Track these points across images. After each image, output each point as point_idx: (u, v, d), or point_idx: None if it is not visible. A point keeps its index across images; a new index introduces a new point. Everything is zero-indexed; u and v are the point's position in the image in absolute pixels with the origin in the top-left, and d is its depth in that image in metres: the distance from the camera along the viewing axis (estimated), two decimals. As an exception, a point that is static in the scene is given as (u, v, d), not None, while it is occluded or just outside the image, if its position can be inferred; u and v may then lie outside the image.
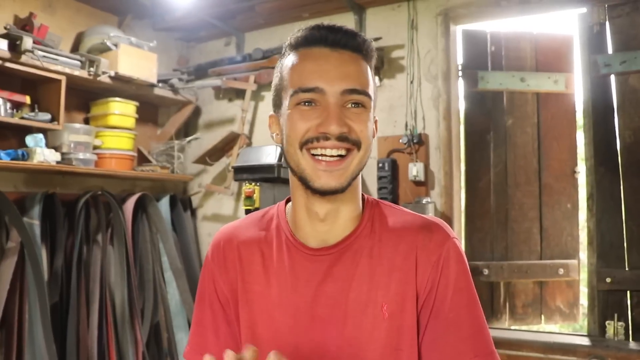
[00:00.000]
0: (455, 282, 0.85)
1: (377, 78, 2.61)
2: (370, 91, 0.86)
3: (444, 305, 0.84)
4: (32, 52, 2.34)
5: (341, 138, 0.82)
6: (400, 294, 0.85)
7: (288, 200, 0.98)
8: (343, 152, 0.83)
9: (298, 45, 0.88)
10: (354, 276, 0.86)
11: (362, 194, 0.94)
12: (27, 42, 2.30)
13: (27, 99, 2.42)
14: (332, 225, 0.89)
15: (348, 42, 0.85)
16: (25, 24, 2.45)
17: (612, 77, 2.38)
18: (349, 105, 0.84)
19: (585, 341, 2.26)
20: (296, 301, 0.87)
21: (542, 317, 2.61)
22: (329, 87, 0.82)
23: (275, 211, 0.97)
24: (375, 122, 0.92)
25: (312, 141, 0.83)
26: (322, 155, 0.83)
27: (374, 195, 2.68)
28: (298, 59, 0.87)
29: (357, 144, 0.84)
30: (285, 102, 0.86)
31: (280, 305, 0.88)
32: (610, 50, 2.39)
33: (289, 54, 0.89)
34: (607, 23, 2.40)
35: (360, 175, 0.90)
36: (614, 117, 2.37)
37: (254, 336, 0.89)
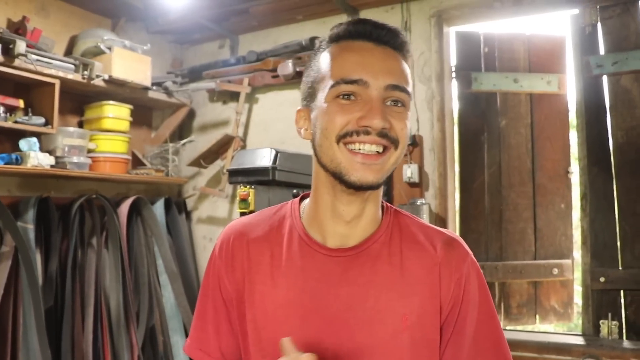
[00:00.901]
0: (477, 299, 0.87)
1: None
2: (411, 90, 0.84)
3: (466, 321, 0.86)
4: (25, 55, 2.33)
5: (382, 134, 0.80)
6: (423, 307, 0.85)
7: (302, 198, 0.96)
8: (380, 149, 0.81)
9: (340, 38, 0.85)
10: (372, 282, 0.85)
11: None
12: (21, 45, 2.29)
13: (21, 103, 2.41)
14: (354, 229, 0.87)
15: (390, 40, 0.84)
16: (18, 28, 2.44)
17: (605, 78, 2.40)
18: (389, 103, 0.82)
19: (579, 340, 2.27)
20: (305, 302, 0.85)
21: (537, 317, 2.62)
22: (373, 80, 0.80)
23: (289, 209, 0.94)
24: None
25: (352, 134, 0.80)
26: (359, 150, 0.81)
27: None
28: (340, 50, 0.84)
29: (395, 143, 0.82)
30: (322, 95, 0.83)
31: (287, 306, 0.86)
32: (602, 51, 2.41)
33: (328, 46, 0.87)
34: (599, 24, 2.41)
35: None
36: (606, 117, 2.39)
37: (259, 337, 0.87)
